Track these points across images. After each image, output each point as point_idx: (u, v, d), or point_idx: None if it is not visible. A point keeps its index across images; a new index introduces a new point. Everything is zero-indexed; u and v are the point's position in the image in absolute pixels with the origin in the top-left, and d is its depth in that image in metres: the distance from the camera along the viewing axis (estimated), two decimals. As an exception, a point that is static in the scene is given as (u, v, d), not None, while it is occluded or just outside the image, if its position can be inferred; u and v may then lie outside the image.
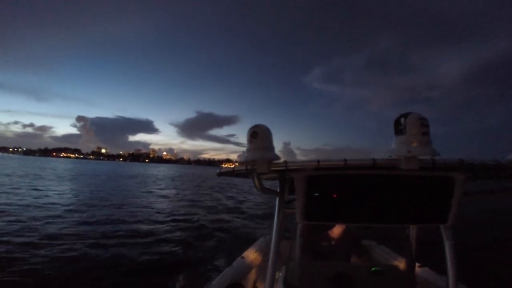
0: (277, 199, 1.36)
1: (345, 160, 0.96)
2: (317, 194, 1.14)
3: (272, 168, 1.02)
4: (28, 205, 10.36)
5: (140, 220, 9.21)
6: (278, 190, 1.39)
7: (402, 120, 0.96)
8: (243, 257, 2.99)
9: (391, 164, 0.97)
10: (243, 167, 1.08)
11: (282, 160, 1.05)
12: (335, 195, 1.13)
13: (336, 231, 2.32)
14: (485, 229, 10.02)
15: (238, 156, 1.09)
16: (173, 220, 9.72)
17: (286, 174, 1.28)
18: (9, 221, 7.81)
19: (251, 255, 3.10)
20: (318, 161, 0.98)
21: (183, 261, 5.46)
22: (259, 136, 1.01)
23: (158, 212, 10.92)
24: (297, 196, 1.15)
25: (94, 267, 4.92)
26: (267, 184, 1.27)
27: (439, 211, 1.15)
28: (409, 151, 0.92)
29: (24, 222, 7.93)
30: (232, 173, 1.20)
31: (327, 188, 1.14)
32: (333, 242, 2.29)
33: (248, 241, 4.62)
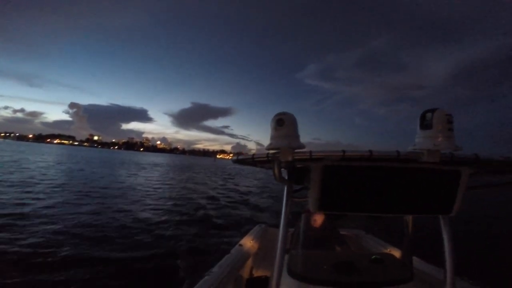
0: (286, 188, 1.35)
1: (371, 151, 0.98)
2: (332, 184, 1.13)
3: (296, 157, 1.01)
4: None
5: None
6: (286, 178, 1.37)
7: (429, 115, 0.99)
8: (240, 245, 3.06)
9: (413, 157, 1.02)
10: (264, 155, 1.08)
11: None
12: (350, 186, 1.14)
13: (319, 220, 2.38)
14: (484, 221, 10.14)
15: (266, 147, 1.05)
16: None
17: (300, 164, 1.24)
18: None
19: (248, 243, 3.17)
20: (344, 151, 0.99)
21: (183, 249, 5.57)
22: (286, 124, 1.00)
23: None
24: (312, 186, 1.14)
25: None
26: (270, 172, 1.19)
27: (445, 202, 1.19)
28: (435, 144, 0.96)
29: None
30: (249, 161, 1.21)
31: (342, 178, 1.13)
32: (318, 232, 2.37)
33: (244, 227, 5.78)
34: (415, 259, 2.34)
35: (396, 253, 2.37)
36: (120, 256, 5.00)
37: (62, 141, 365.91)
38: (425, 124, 1.01)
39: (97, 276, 4.25)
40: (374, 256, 1.80)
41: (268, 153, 1.06)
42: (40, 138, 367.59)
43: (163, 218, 8.22)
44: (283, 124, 1.00)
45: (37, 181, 13.05)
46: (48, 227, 6.33)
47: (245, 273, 2.77)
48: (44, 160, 29.34)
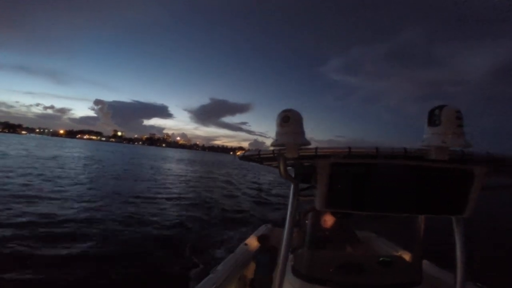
0: (292, 186, 1.32)
1: (377, 148, 0.97)
2: (339, 181, 1.12)
3: (302, 154, 1.02)
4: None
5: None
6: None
7: (437, 111, 0.97)
8: (246, 244, 3.15)
9: (421, 154, 1.00)
10: (270, 151, 1.08)
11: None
12: (357, 184, 1.12)
13: (329, 221, 2.33)
14: (498, 222, 10.00)
15: (272, 144, 1.04)
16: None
17: (307, 161, 1.23)
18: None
19: (253, 242, 3.20)
20: (349, 148, 0.97)
21: (190, 247, 5.70)
22: (291, 120, 1.01)
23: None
24: (319, 183, 1.12)
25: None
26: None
27: (457, 203, 1.15)
28: (444, 141, 0.93)
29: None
30: (255, 157, 1.21)
31: (350, 176, 1.11)
32: (327, 233, 2.31)
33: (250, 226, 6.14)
34: (425, 263, 2.31)
35: (406, 256, 2.27)
36: (126, 250, 5.20)
37: (91, 137, 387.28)
38: (433, 120, 0.99)
39: (100, 270, 4.28)
40: (382, 258, 1.76)
41: (274, 150, 1.06)
42: (71, 134, 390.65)
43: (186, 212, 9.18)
44: (289, 120, 1.00)
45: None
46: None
47: (249, 273, 2.81)
48: (118, 158, 36.13)
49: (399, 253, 2.93)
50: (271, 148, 1.08)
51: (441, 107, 0.98)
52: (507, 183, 1.37)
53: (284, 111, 1.04)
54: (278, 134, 1.03)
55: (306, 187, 1.39)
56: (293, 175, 1.36)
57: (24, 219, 6.47)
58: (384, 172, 1.12)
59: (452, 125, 0.95)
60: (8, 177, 12.19)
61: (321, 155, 1.05)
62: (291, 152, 1.01)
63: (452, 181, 1.13)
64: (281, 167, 1.05)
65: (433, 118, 1.00)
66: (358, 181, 1.13)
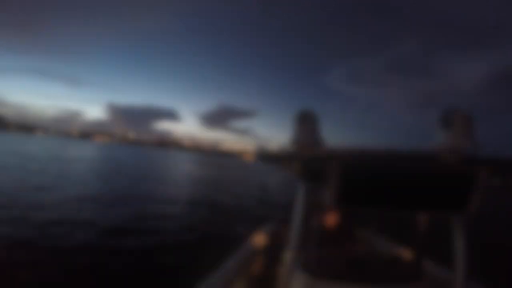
0: (302, 184, 1.35)
1: (388, 149, 1.04)
2: (350, 180, 1.15)
3: (316, 153, 1.09)
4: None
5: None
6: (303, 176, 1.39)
7: (450, 115, 1.04)
8: (252, 240, 3.12)
9: (431, 156, 1.07)
10: (284, 151, 1.16)
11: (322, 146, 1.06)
12: (367, 182, 1.16)
13: (331, 220, 2.42)
14: (500, 223, 10.02)
15: (288, 141, 1.07)
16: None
17: (318, 161, 1.27)
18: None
19: (260, 238, 3.23)
20: (362, 148, 1.06)
21: (194, 244, 5.67)
22: (308, 121, 1.08)
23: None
24: (330, 182, 1.16)
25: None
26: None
27: (459, 202, 1.19)
28: (455, 144, 1.00)
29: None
30: (270, 156, 1.25)
31: (360, 175, 1.16)
32: (329, 230, 2.42)
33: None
34: (428, 263, 2.39)
35: (408, 254, 2.35)
36: (134, 247, 5.19)
37: (103, 139, 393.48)
38: (444, 124, 1.05)
39: (108, 265, 4.34)
40: (384, 255, 1.86)
41: (288, 150, 1.13)
42: (85, 135, 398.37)
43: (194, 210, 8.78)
44: (305, 121, 1.08)
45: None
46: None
47: (256, 269, 2.83)
48: (129, 159, 36.87)
49: (399, 251, 3.00)
50: (288, 145, 1.14)
51: (452, 111, 1.06)
52: (508, 184, 1.41)
53: (301, 111, 1.13)
54: (294, 133, 1.13)
55: (315, 185, 1.43)
56: (303, 174, 1.40)
57: (40, 219, 6.31)
58: (391, 172, 1.17)
59: (463, 129, 1.02)
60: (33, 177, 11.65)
61: (334, 155, 1.12)
62: (306, 151, 1.10)
63: (455, 181, 1.18)
64: (295, 166, 1.19)
65: (444, 121, 1.08)
66: (367, 180, 1.18)
